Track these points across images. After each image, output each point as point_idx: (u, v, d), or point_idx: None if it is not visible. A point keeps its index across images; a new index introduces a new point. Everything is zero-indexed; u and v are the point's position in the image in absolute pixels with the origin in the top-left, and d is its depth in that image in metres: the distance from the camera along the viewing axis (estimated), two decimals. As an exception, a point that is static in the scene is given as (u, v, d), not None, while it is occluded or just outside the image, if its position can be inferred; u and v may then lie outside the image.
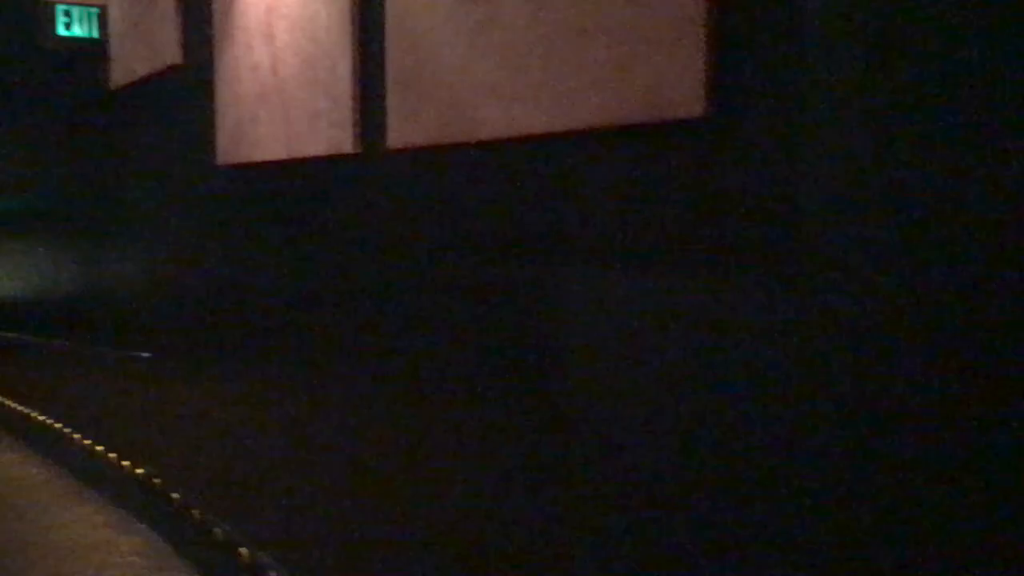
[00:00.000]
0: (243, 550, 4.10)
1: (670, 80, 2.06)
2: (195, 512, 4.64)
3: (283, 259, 3.87)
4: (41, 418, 7.68)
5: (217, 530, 4.37)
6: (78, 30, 5.61)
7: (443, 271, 2.87)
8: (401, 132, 3.02)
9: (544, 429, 2.49)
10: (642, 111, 2.14)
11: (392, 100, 3.05)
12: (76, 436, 6.66)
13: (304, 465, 3.73)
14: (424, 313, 2.97)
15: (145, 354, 5.29)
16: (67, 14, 5.59)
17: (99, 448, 6.15)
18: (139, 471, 5.42)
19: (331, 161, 3.43)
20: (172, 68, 4.77)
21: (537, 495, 2.52)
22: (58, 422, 7.23)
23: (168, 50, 4.78)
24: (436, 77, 2.84)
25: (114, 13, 5.59)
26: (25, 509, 6.03)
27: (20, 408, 8.52)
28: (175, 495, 4.91)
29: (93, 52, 5.72)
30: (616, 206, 2.23)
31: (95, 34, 5.65)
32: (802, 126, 1.80)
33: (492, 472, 2.69)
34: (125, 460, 5.69)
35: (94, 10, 5.66)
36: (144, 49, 5.16)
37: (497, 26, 2.58)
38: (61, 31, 5.57)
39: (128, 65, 5.42)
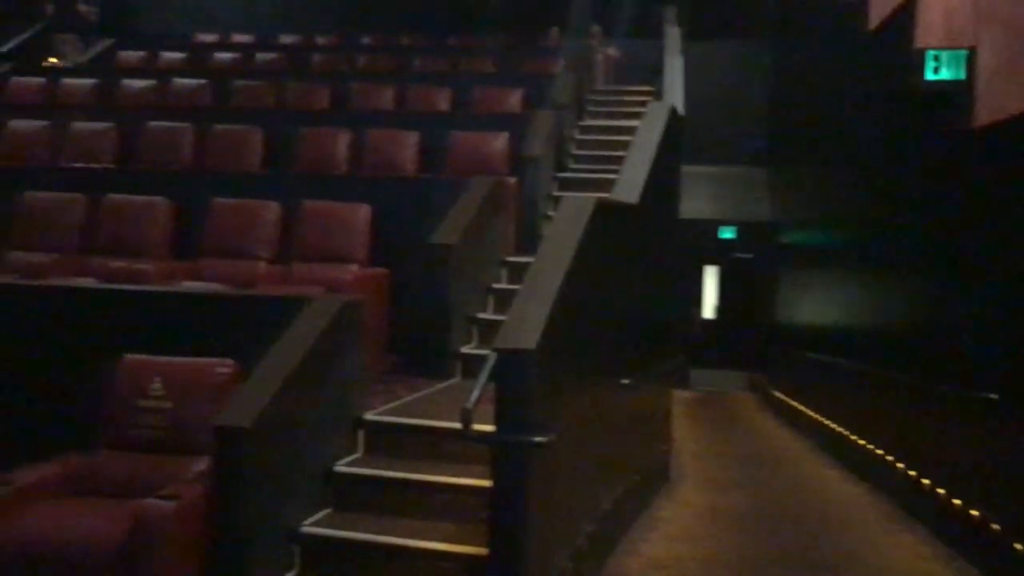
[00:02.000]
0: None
1: None
2: (1044, 568, 4.43)
3: None
4: (860, 441, 8.12)
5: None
6: (945, 73, 5.78)
7: None
8: None
9: None
10: None
11: None
12: (899, 464, 6.88)
13: None
14: None
15: (992, 396, 5.21)
16: (936, 59, 5.81)
17: (924, 481, 6.26)
18: (973, 512, 5.37)
19: None
20: (1056, 105, 4.61)
21: None
22: (878, 447, 7.56)
23: (1053, 87, 4.64)
24: None
25: (984, 53, 5.62)
26: (854, 524, 6.44)
27: (834, 426, 9.15)
28: (1019, 546, 4.74)
29: (955, 93, 5.84)
30: None
31: (961, 76, 5.76)
32: None
33: None
34: (956, 498, 5.68)
35: (962, 52, 5.77)
36: (1019, 86, 5.09)
37: None
38: (929, 75, 5.81)
39: (997, 103, 5.40)
